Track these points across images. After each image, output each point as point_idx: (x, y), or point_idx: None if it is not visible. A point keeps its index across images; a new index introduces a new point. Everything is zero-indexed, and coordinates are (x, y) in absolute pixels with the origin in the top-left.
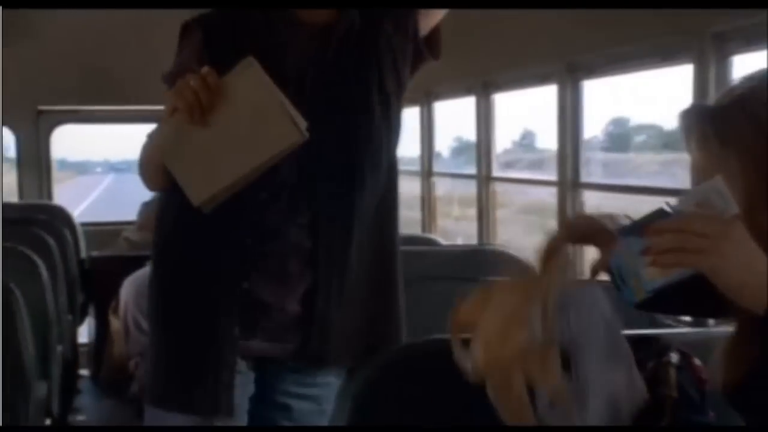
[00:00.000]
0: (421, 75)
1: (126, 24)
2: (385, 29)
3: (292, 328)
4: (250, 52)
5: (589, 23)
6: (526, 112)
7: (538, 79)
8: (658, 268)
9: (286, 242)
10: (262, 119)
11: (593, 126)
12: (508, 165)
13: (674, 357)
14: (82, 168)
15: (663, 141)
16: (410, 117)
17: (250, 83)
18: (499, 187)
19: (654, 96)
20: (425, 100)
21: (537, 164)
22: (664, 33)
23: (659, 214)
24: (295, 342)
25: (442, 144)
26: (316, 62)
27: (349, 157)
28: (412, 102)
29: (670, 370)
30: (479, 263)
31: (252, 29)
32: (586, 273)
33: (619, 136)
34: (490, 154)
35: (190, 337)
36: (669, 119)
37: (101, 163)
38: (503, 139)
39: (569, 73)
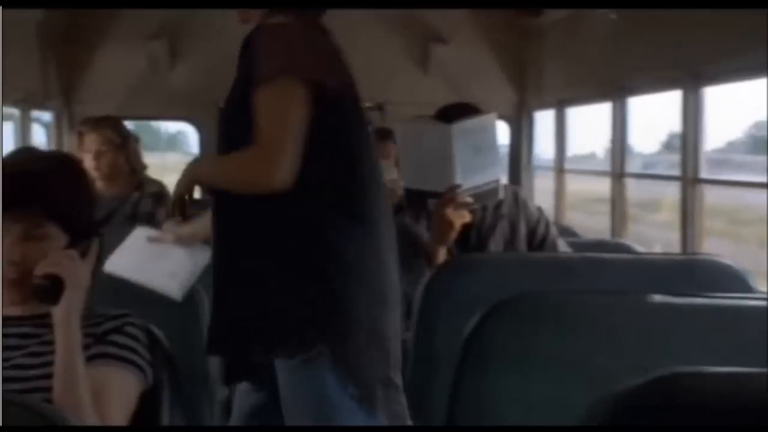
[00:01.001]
0: (613, 68)
1: None
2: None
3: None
4: None
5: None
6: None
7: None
8: None
9: None
10: None
11: None
12: (648, 166)
13: None
14: None
15: None
16: (600, 112)
17: None
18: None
19: None
20: (617, 95)
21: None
22: None
23: None
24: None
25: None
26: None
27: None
28: (604, 96)
29: None
30: (691, 275)
31: None
32: None
33: None
34: (697, 153)
35: None
36: None
37: None
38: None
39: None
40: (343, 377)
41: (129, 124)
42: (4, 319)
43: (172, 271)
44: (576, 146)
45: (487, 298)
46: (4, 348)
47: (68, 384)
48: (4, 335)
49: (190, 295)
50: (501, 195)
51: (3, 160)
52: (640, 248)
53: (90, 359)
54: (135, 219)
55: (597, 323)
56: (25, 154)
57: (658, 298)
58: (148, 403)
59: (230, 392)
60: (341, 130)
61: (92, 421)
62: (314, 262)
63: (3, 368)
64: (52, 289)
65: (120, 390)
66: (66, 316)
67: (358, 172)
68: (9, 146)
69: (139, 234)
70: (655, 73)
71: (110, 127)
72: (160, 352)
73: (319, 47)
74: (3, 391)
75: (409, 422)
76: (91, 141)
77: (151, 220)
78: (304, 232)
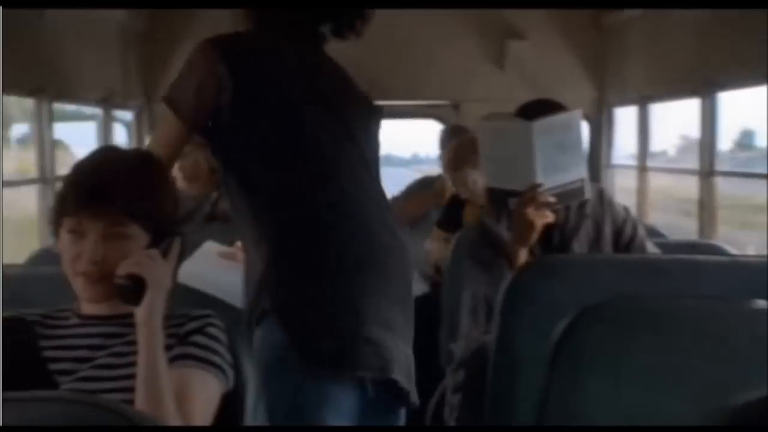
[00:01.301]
0: (703, 64)
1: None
2: None
3: None
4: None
5: None
6: None
7: None
8: None
9: None
10: None
11: None
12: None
13: None
14: None
15: None
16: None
17: None
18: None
19: None
20: (707, 91)
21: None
22: None
23: None
24: None
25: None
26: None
27: None
28: (692, 93)
29: None
30: None
31: (276, 49)
32: None
33: None
34: None
35: None
36: None
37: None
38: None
39: None
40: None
41: None
42: (87, 318)
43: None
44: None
45: (573, 302)
46: (89, 347)
47: (151, 385)
48: (88, 335)
49: None
50: (588, 195)
51: (85, 159)
52: (733, 250)
53: (172, 360)
54: (214, 218)
55: (699, 330)
56: (106, 153)
57: (763, 303)
58: (230, 405)
59: None
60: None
61: (175, 422)
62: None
63: (88, 368)
64: (134, 289)
65: (202, 392)
66: (148, 317)
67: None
68: (91, 145)
69: (210, 248)
70: (747, 68)
71: None
72: (242, 352)
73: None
74: (87, 391)
75: (399, 373)
76: None
77: (230, 219)
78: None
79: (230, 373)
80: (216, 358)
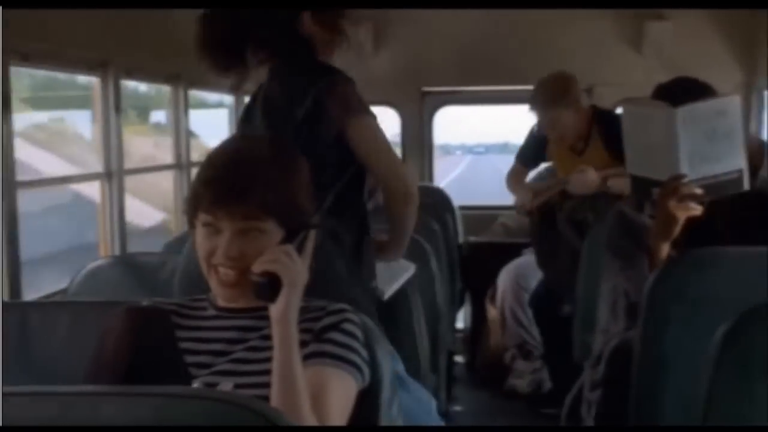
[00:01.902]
0: None
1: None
2: None
3: None
4: None
5: None
6: None
7: None
8: None
9: None
10: None
11: None
12: None
13: None
14: (443, 151)
15: None
16: None
17: None
18: None
19: None
20: None
21: None
22: None
23: None
24: None
25: None
26: None
27: None
28: None
29: None
30: None
31: None
32: None
33: None
34: None
35: None
36: None
37: (459, 147)
38: None
39: None
40: None
41: None
42: (224, 310)
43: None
44: None
45: (724, 299)
46: (226, 341)
47: (286, 385)
48: (225, 327)
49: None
50: (745, 186)
51: (218, 151)
52: None
53: (307, 358)
54: None
55: None
56: (240, 144)
57: None
58: (365, 402)
59: (448, 393)
60: None
61: (310, 422)
62: None
63: (224, 362)
64: (270, 286)
65: (338, 391)
66: (283, 315)
67: None
68: (224, 134)
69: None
70: None
71: None
72: (377, 348)
73: None
74: (222, 386)
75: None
76: None
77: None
78: None
79: (366, 370)
80: (353, 356)
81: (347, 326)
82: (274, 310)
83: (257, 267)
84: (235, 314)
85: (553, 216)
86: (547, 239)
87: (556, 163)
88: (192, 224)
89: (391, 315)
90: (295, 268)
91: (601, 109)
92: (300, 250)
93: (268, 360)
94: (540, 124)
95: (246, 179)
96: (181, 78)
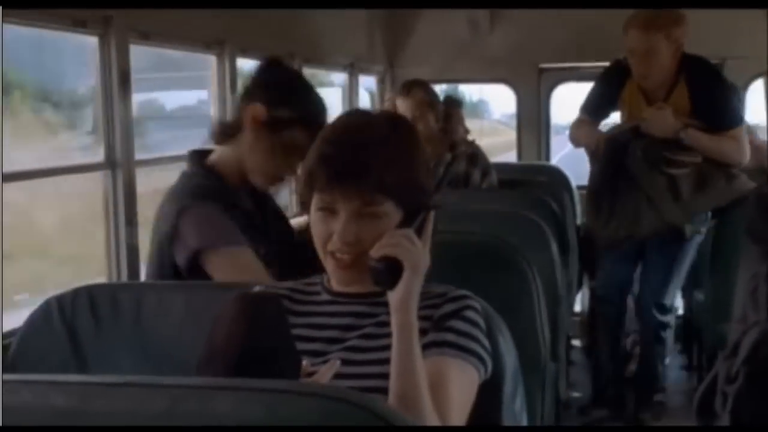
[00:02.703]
0: None
1: None
2: None
3: None
4: None
5: None
6: None
7: None
8: None
9: None
10: None
11: None
12: None
13: None
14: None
15: None
16: None
17: None
18: None
19: None
20: None
21: None
22: None
23: None
24: None
25: None
26: None
27: None
28: None
29: None
30: None
31: None
32: None
33: None
34: None
35: None
36: None
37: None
38: None
39: None
40: None
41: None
42: (338, 295)
43: None
44: None
45: None
46: (340, 328)
47: (406, 375)
48: (339, 313)
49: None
50: None
51: (333, 127)
52: None
53: (426, 347)
54: (448, 181)
55: None
56: (356, 119)
57: None
58: (486, 395)
59: (567, 379)
60: None
61: (430, 415)
62: None
63: (338, 350)
64: (390, 272)
65: (460, 383)
66: (404, 303)
67: None
68: (337, 113)
69: None
70: None
71: (423, 90)
72: (499, 337)
73: None
74: (338, 375)
75: None
76: (406, 107)
77: (467, 181)
78: None
79: (489, 361)
80: (475, 346)
81: (469, 314)
82: (394, 297)
83: (376, 252)
84: (350, 299)
85: (622, 152)
86: (613, 177)
87: (629, 115)
88: (305, 207)
89: (512, 302)
90: (417, 253)
91: (691, 55)
92: (419, 232)
93: (383, 348)
94: (632, 52)
95: (364, 158)
96: (295, 56)
